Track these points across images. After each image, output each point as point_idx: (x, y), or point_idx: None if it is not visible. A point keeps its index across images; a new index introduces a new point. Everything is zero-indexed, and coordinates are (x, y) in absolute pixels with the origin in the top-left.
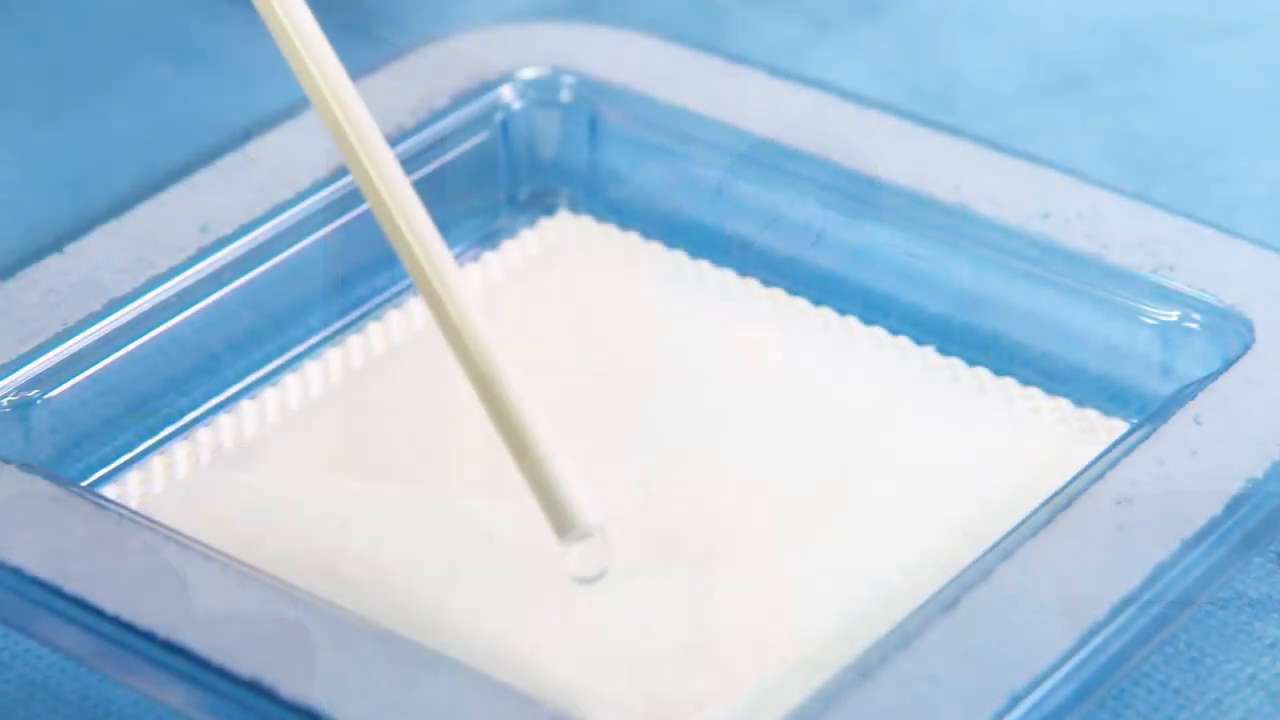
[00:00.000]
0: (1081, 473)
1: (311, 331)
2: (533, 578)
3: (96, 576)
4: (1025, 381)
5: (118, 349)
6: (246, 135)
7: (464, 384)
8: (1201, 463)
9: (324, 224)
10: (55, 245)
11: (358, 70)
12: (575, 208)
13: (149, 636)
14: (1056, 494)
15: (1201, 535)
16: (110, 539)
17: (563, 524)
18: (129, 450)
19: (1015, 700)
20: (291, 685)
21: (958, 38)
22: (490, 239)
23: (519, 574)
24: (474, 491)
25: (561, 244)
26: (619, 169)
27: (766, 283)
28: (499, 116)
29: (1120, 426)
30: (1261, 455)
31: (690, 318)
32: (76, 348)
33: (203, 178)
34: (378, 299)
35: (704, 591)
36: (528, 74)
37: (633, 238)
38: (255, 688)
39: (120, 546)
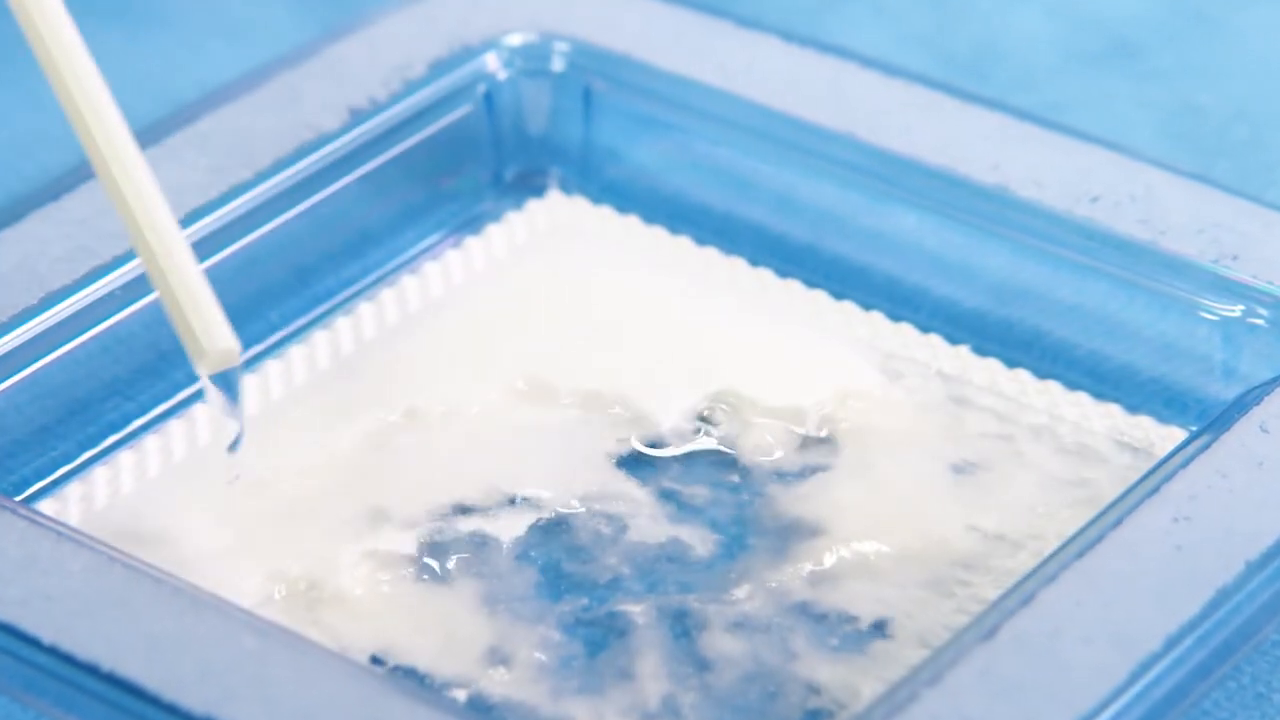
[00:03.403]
0: (1134, 487)
1: (273, 328)
2: (513, 590)
3: (32, 602)
4: (1071, 385)
5: (56, 347)
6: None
7: (442, 386)
8: (1268, 474)
9: (286, 208)
10: None
11: (324, 36)
12: (567, 188)
13: (91, 669)
14: (1106, 510)
15: (1268, 556)
16: (47, 560)
17: (197, 349)
18: (68, 461)
19: None
20: None
21: (995, 0)
22: (473, 223)
23: (500, 589)
24: (454, 502)
25: (552, 228)
26: (616, 146)
27: (781, 273)
28: (482, 87)
29: (1178, 434)
30: None
31: (695, 312)
32: (9, 346)
33: (150, 156)
34: (347, 292)
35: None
36: (515, 39)
37: (632, 221)
38: None
39: (59, 568)
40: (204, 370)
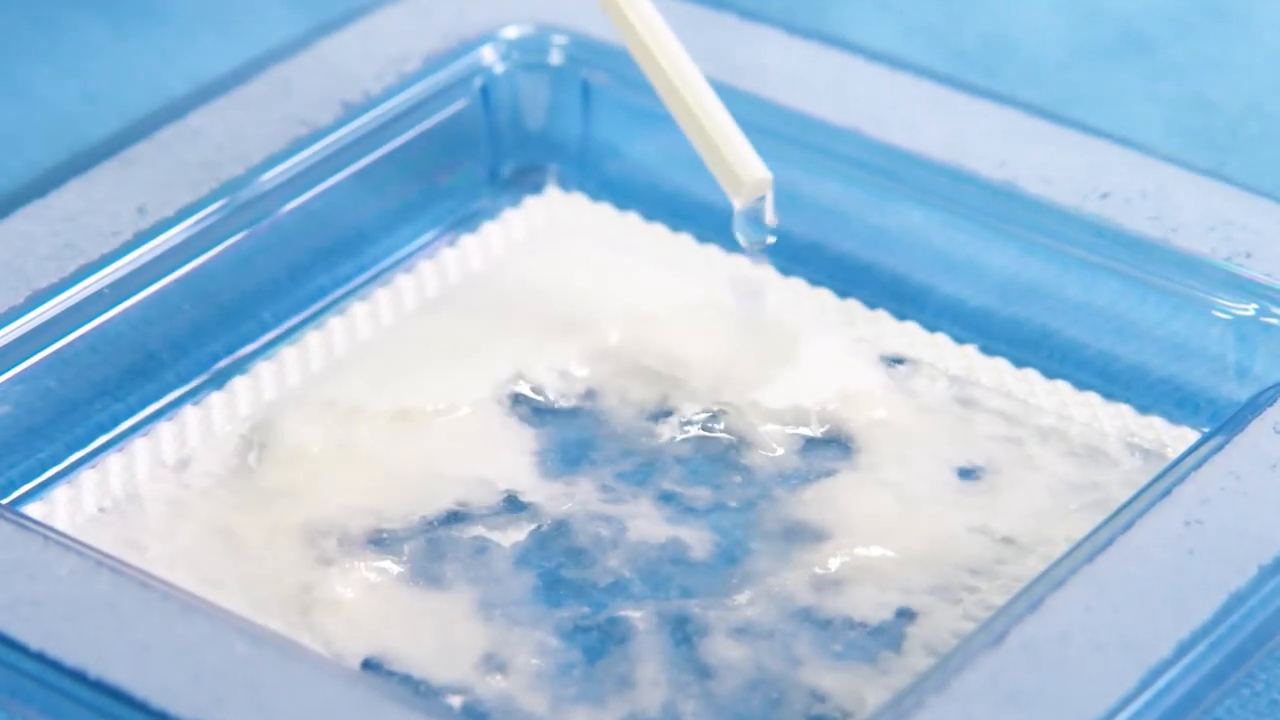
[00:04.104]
0: (1145, 489)
1: (265, 328)
2: (508, 598)
3: (19, 607)
4: (1081, 385)
5: (43, 348)
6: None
7: (438, 387)
8: None
9: (279, 205)
10: None
11: (317, 28)
12: (566, 185)
13: (78, 675)
14: (1116, 513)
15: None
16: (34, 564)
17: (734, 184)
18: (56, 464)
19: None
20: None
21: None
22: (469, 221)
23: (496, 594)
24: (450, 504)
25: (550, 226)
26: (615, 141)
27: (784, 271)
28: (478, 81)
29: (1190, 436)
30: None
31: (696, 310)
32: None
33: (140, 151)
34: (341, 290)
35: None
36: (511, 32)
37: (631, 219)
38: None
39: (46, 573)
40: (739, 201)
